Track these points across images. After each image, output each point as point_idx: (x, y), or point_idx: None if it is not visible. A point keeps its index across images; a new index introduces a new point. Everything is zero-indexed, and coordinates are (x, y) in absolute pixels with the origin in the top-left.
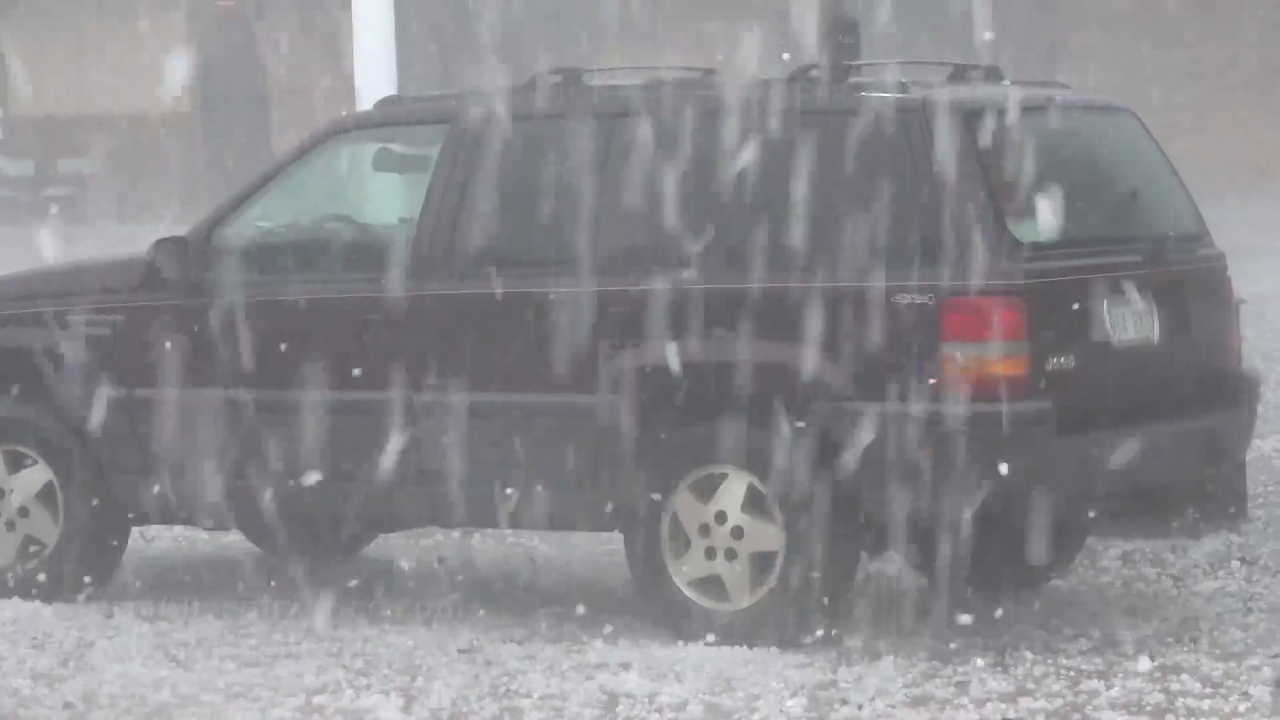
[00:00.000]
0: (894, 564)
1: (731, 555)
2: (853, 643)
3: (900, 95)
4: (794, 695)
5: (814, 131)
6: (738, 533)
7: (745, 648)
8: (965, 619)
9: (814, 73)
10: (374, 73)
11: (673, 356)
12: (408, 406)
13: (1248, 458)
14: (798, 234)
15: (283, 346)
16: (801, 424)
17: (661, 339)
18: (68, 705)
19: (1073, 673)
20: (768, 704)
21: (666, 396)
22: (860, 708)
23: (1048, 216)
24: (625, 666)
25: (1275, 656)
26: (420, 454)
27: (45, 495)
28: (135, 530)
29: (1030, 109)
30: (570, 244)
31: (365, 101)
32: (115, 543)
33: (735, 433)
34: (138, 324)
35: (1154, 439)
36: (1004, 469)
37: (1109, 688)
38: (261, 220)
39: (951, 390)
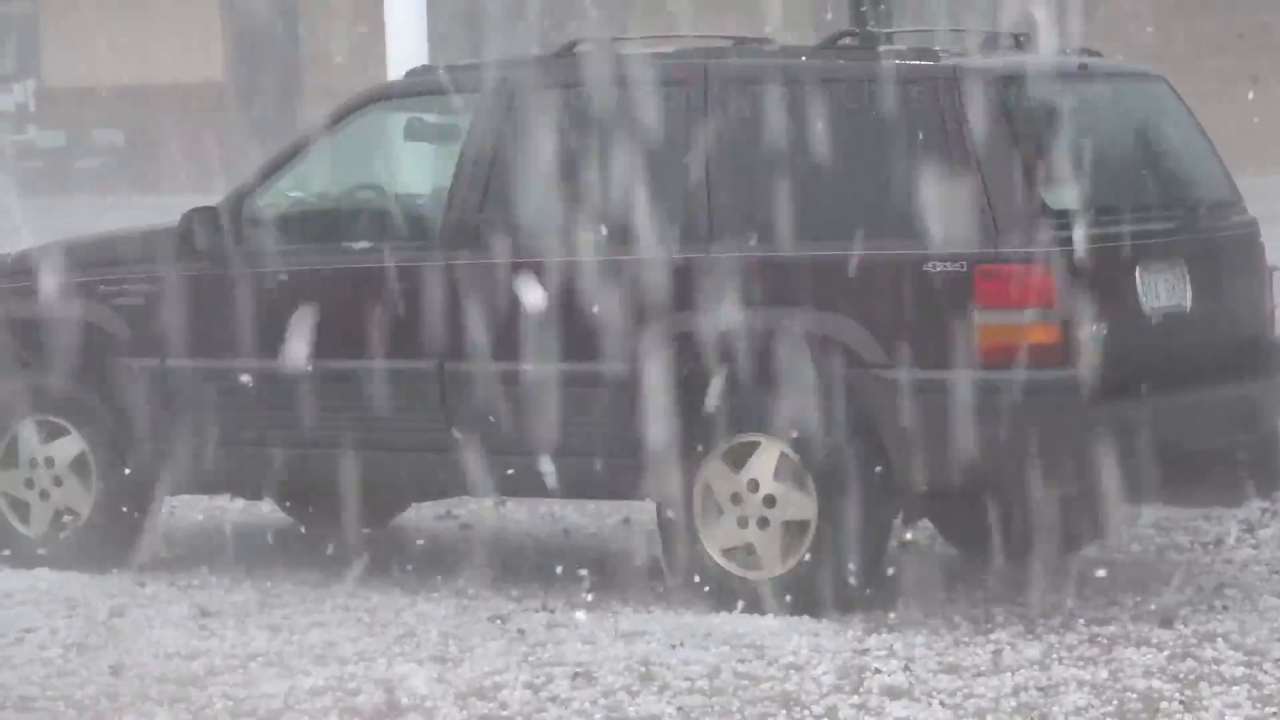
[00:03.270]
0: (926, 532)
1: (764, 524)
2: (885, 611)
3: (932, 63)
4: (826, 663)
5: (846, 99)
6: (770, 501)
7: (777, 616)
8: (997, 587)
9: (845, 40)
10: (405, 42)
11: (707, 325)
12: (439, 375)
13: None
14: (830, 202)
15: (313, 316)
16: (834, 391)
17: (695, 308)
18: (113, 670)
19: (1105, 640)
20: (800, 672)
21: (699, 365)
22: (892, 676)
23: (1079, 184)
24: (657, 635)
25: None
26: (452, 423)
27: (78, 465)
28: (168, 500)
29: (1062, 76)
30: (601, 213)
31: (396, 71)
32: (148, 512)
33: (767, 401)
34: (169, 294)
35: (1187, 406)
36: (1036, 436)
37: (1142, 655)
38: (293, 190)
39: (983, 358)
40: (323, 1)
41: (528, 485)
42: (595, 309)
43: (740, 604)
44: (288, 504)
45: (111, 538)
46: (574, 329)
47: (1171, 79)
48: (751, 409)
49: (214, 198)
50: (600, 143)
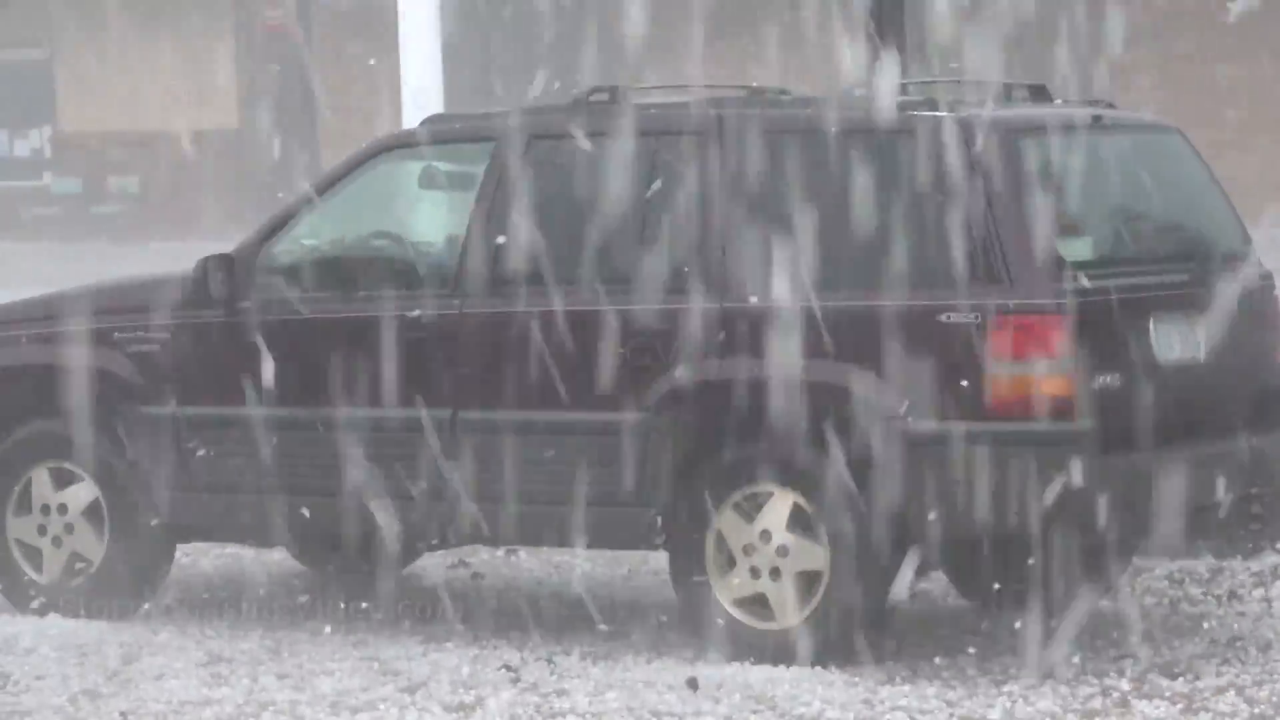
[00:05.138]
0: (939, 584)
1: (776, 574)
2: (898, 663)
3: (947, 114)
4: (838, 715)
5: (861, 150)
6: (782, 551)
7: (789, 667)
8: (1010, 640)
9: (860, 91)
10: (420, 90)
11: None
12: (453, 424)
13: None
14: (843, 253)
15: (327, 365)
16: (847, 443)
17: (709, 358)
18: (124, 718)
19: (1117, 693)
20: None
21: (712, 415)
22: None
23: (1093, 235)
24: (669, 685)
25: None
26: (465, 472)
27: (91, 512)
28: (180, 547)
29: (1077, 128)
30: (614, 263)
31: (411, 119)
32: (160, 559)
33: (780, 452)
34: (184, 341)
35: (1201, 458)
36: (1050, 488)
37: (1154, 708)
38: (307, 238)
39: (996, 409)
40: (338, 49)
41: (540, 534)
42: (609, 357)
43: (752, 655)
44: (300, 552)
45: (124, 585)
46: (585, 378)
47: (1186, 130)
48: (765, 459)
49: (229, 244)
50: (614, 191)
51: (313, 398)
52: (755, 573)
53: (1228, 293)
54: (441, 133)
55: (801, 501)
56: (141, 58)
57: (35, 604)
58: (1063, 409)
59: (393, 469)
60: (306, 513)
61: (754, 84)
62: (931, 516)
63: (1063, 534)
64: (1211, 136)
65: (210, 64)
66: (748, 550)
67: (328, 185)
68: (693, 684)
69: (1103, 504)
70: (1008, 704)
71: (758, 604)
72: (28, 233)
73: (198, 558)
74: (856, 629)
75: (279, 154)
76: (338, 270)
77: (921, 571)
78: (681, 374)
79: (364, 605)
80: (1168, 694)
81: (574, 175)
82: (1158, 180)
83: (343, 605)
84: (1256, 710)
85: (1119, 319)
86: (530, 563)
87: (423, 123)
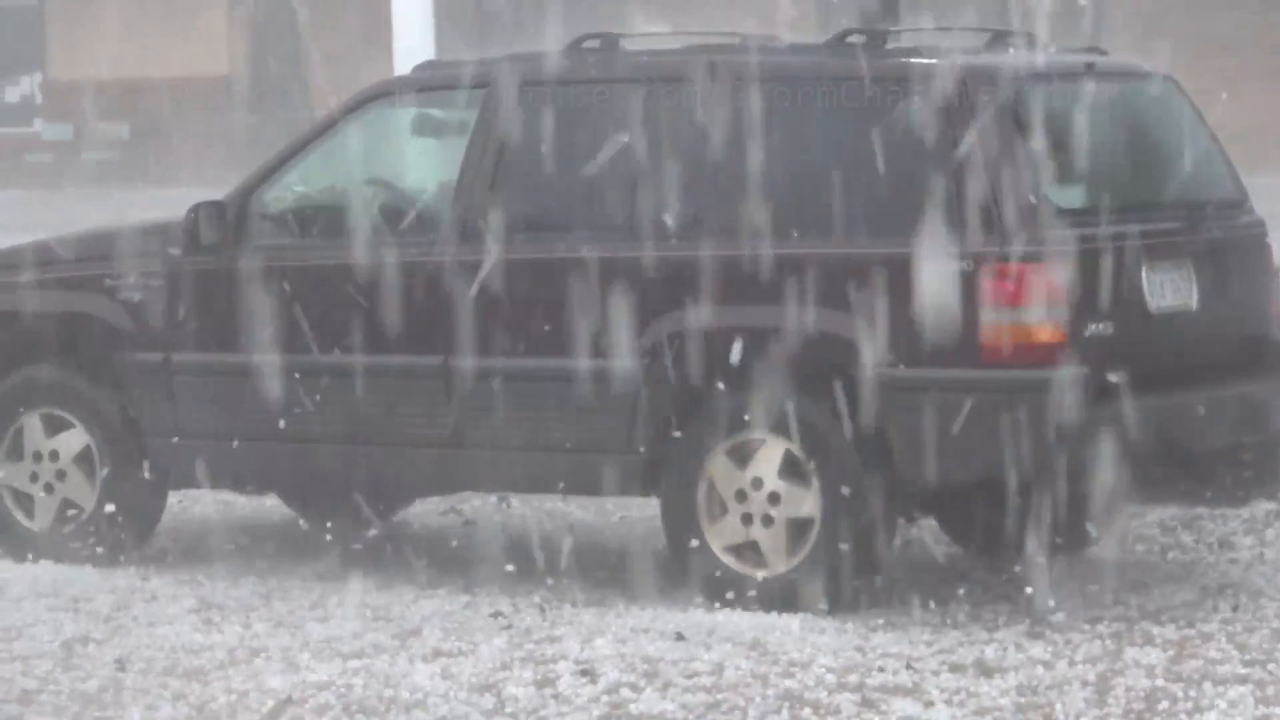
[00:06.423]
0: (930, 531)
1: (768, 521)
2: (889, 609)
3: (938, 61)
4: (829, 661)
5: (852, 97)
6: (774, 499)
7: (781, 613)
8: (1001, 586)
9: (852, 38)
10: (412, 37)
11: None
12: (444, 371)
13: None
14: (835, 200)
15: (319, 311)
16: (839, 390)
17: (702, 304)
18: (117, 664)
19: (1109, 639)
20: (803, 670)
21: (704, 362)
22: (895, 674)
23: (1085, 183)
24: (661, 632)
25: None
26: (457, 418)
27: (83, 459)
28: (172, 494)
29: (1068, 75)
30: (607, 209)
31: (403, 66)
32: (152, 506)
33: (773, 399)
34: (176, 288)
35: (1192, 406)
36: (1041, 435)
37: (1145, 655)
38: (299, 184)
39: (988, 356)
40: None
41: (532, 481)
42: (601, 305)
43: (744, 601)
44: (292, 499)
45: (115, 532)
46: (580, 325)
47: (1180, 78)
48: (756, 406)
49: (221, 191)
50: (606, 138)
51: (304, 344)
52: (747, 520)
53: (1221, 240)
54: (434, 79)
55: (793, 448)
56: (133, 3)
57: (27, 551)
58: (1055, 356)
59: (384, 415)
60: (298, 459)
61: (746, 32)
62: (923, 463)
63: (1054, 481)
64: (1203, 84)
65: (203, 10)
66: (739, 497)
67: (320, 132)
68: (680, 638)
69: (1094, 451)
70: (999, 651)
71: (749, 551)
72: (18, 178)
73: (190, 504)
74: (848, 576)
75: (271, 100)
76: (329, 217)
77: (913, 518)
78: (674, 321)
79: (355, 552)
80: (1159, 641)
81: (567, 122)
82: (1150, 128)
83: (334, 552)
84: (1247, 657)
85: (1111, 267)
86: (522, 510)
87: (415, 69)
